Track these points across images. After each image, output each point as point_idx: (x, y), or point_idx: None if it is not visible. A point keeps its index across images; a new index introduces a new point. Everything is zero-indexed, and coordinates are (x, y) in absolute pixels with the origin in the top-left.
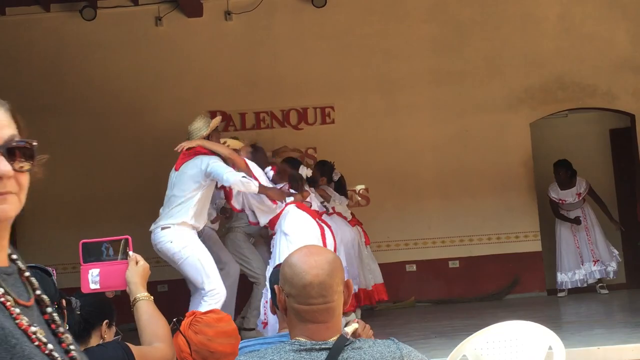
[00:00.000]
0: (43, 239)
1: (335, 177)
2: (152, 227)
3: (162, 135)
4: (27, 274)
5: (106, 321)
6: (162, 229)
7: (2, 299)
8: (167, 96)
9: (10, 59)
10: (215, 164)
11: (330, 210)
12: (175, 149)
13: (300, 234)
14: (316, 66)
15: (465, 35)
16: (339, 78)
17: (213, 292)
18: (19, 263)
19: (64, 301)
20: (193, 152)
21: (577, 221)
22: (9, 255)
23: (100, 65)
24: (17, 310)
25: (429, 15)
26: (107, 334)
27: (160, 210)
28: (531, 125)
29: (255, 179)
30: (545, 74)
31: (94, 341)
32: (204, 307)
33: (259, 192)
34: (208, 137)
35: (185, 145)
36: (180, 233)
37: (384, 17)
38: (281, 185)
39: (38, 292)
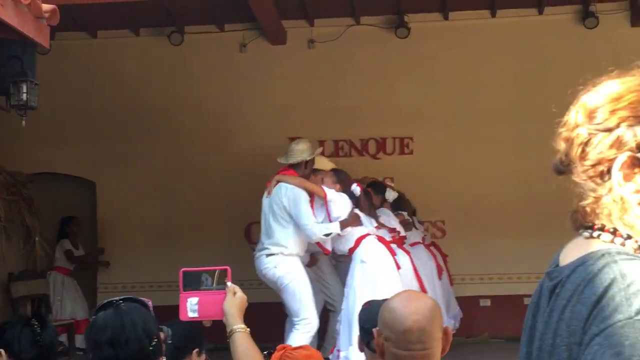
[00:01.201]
0: (125, 257)
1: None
2: (257, 253)
3: (242, 160)
4: None
5: (196, 350)
6: (267, 255)
7: None
8: (249, 122)
9: (100, 81)
10: (298, 208)
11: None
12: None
13: (376, 263)
14: (397, 96)
15: (548, 69)
16: (419, 109)
17: (306, 322)
18: None
19: (162, 334)
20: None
21: None
22: None
23: (186, 89)
24: None
25: (513, 49)
26: None
27: (262, 237)
28: None
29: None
30: None
31: None
32: (294, 334)
33: (341, 229)
34: (306, 164)
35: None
36: (284, 259)
37: (467, 50)
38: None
39: None
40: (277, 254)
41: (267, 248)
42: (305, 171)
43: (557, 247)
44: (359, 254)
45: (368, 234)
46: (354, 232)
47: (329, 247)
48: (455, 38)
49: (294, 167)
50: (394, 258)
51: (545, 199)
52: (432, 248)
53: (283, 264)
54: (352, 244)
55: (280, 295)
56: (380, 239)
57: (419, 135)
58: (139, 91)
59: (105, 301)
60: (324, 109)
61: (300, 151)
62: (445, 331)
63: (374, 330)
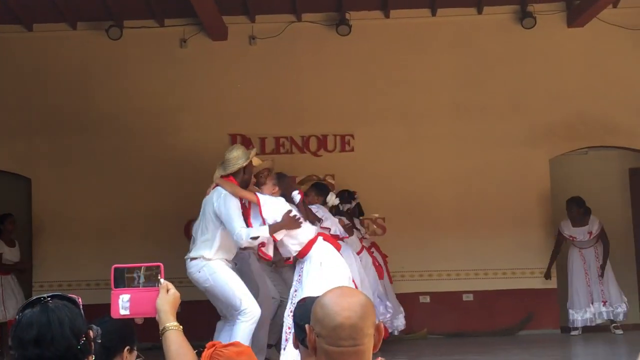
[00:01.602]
0: (61, 255)
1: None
2: (185, 256)
3: (183, 156)
4: None
5: (127, 347)
6: (191, 259)
7: None
8: (189, 117)
9: (37, 75)
10: (227, 213)
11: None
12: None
13: (333, 265)
14: (338, 94)
15: (489, 69)
16: (361, 106)
17: (246, 311)
18: None
19: (91, 332)
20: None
21: (547, 275)
22: None
23: (125, 84)
24: None
25: (452, 47)
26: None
27: (193, 235)
28: (551, 162)
29: (263, 220)
30: (568, 110)
31: None
32: (238, 327)
33: (270, 233)
34: (244, 169)
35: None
36: (205, 263)
37: (407, 48)
38: (313, 207)
39: None
40: (199, 257)
41: (191, 251)
42: (245, 176)
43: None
44: (314, 256)
45: (319, 234)
46: (301, 236)
47: (270, 253)
48: (396, 36)
49: (232, 174)
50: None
51: (485, 196)
52: (372, 250)
53: (205, 267)
54: (299, 248)
55: (215, 296)
56: (327, 237)
57: (360, 133)
58: (78, 86)
59: (33, 298)
60: (265, 105)
61: (236, 159)
62: (377, 328)
63: (307, 326)
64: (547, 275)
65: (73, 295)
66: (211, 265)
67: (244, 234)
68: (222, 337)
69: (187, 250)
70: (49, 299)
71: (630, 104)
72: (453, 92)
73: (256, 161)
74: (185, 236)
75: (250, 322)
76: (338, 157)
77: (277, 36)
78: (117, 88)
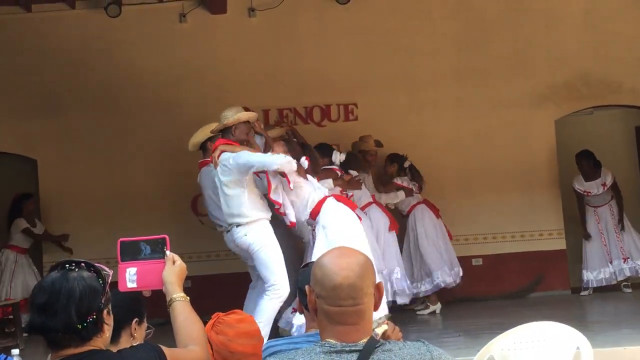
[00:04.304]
0: (70, 236)
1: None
2: (224, 228)
3: (186, 132)
4: None
5: (136, 319)
6: (237, 226)
7: None
8: (191, 93)
9: (36, 56)
10: (245, 158)
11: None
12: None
13: (338, 227)
14: (339, 63)
15: (489, 32)
16: (362, 75)
17: (275, 288)
18: None
19: (106, 313)
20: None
21: (586, 236)
22: None
23: (125, 61)
24: None
25: (452, 12)
26: (137, 332)
27: (216, 212)
28: (556, 123)
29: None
30: (570, 71)
31: (125, 340)
32: (264, 301)
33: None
34: (232, 128)
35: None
36: (252, 226)
37: (407, 14)
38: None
39: None
40: (244, 223)
41: (231, 221)
42: (236, 133)
43: (503, 207)
44: (320, 220)
45: (326, 197)
46: (310, 197)
47: (292, 218)
48: (396, 3)
49: (223, 136)
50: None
51: (490, 160)
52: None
53: (252, 230)
54: (310, 209)
55: (253, 262)
56: (339, 197)
57: (363, 102)
58: (78, 65)
59: (63, 260)
60: (266, 77)
61: (224, 117)
62: (377, 287)
63: (307, 287)
64: (587, 236)
65: (105, 268)
66: (259, 228)
67: (275, 159)
68: (250, 309)
69: (196, 224)
70: (74, 267)
71: (633, 63)
72: (454, 57)
73: (246, 115)
74: (193, 212)
75: (278, 300)
76: (342, 126)
77: (277, 7)
78: (117, 66)
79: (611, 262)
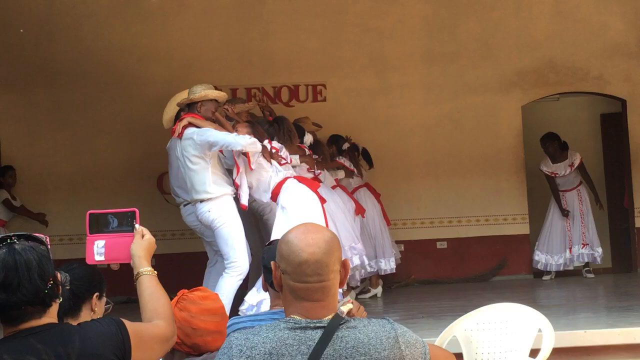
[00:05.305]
0: (32, 209)
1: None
2: (183, 204)
3: (151, 109)
4: None
5: (96, 293)
6: (201, 202)
7: None
8: (158, 70)
9: (0, 30)
10: (211, 134)
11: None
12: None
13: (297, 208)
14: (308, 43)
15: (459, 16)
16: (332, 56)
17: (235, 265)
18: None
19: (58, 275)
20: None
21: (565, 213)
22: None
23: (92, 37)
24: None
25: None
26: (97, 306)
27: (177, 188)
28: (523, 108)
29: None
30: (538, 57)
31: (85, 314)
32: (224, 278)
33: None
34: (198, 104)
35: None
36: (215, 202)
37: None
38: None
39: None
40: (207, 199)
41: (195, 197)
42: (202, 110)
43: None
44: (280, 200)
45: (287, 178)
46: (272, 180)
47: (244, 201)
48: None
49: (190, 111)
50: (317, 192)
51: (457, 144)
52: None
53: (215, 206)
54: (270, 191)
55: (211, 238)
56: (300, 178)
57: (332, 82)
58: (43, 39)
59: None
60: (235, 56)
61: (191, 92)
62: (343, 264)
63: (272, 263)
64: (566, 213)
65: (40, 235)
66: (222, 203)
67: (239, 139)
68: (209, 287)
69: (161, 202)
70: (14, 239)
71: (600, 50)
72: (424, 40)
73: (213, 94)
74: (159, 189)
75: (237, 277)
76: (310, 107)
77: None
78: (83, 41)
79: (572, 247)
